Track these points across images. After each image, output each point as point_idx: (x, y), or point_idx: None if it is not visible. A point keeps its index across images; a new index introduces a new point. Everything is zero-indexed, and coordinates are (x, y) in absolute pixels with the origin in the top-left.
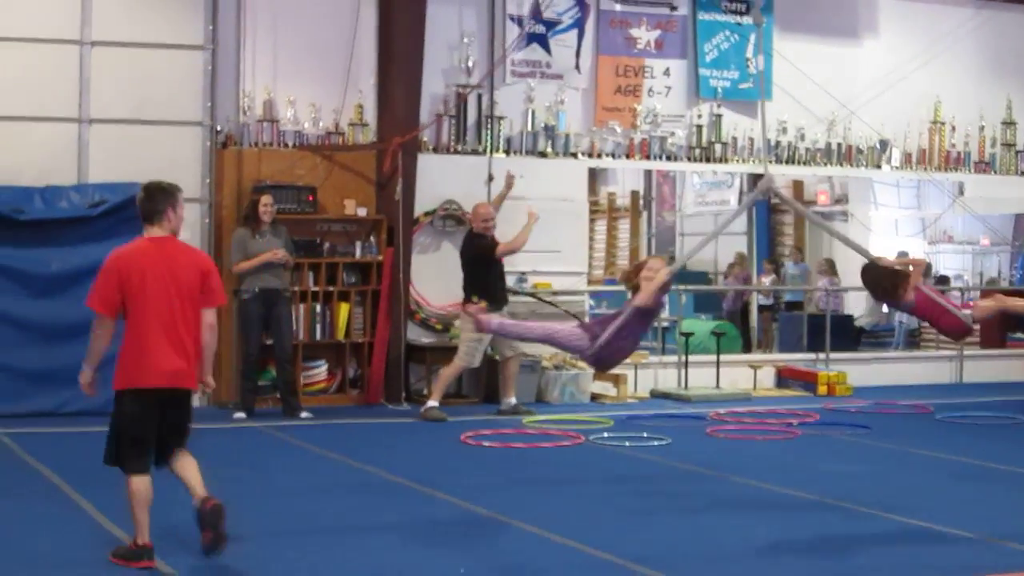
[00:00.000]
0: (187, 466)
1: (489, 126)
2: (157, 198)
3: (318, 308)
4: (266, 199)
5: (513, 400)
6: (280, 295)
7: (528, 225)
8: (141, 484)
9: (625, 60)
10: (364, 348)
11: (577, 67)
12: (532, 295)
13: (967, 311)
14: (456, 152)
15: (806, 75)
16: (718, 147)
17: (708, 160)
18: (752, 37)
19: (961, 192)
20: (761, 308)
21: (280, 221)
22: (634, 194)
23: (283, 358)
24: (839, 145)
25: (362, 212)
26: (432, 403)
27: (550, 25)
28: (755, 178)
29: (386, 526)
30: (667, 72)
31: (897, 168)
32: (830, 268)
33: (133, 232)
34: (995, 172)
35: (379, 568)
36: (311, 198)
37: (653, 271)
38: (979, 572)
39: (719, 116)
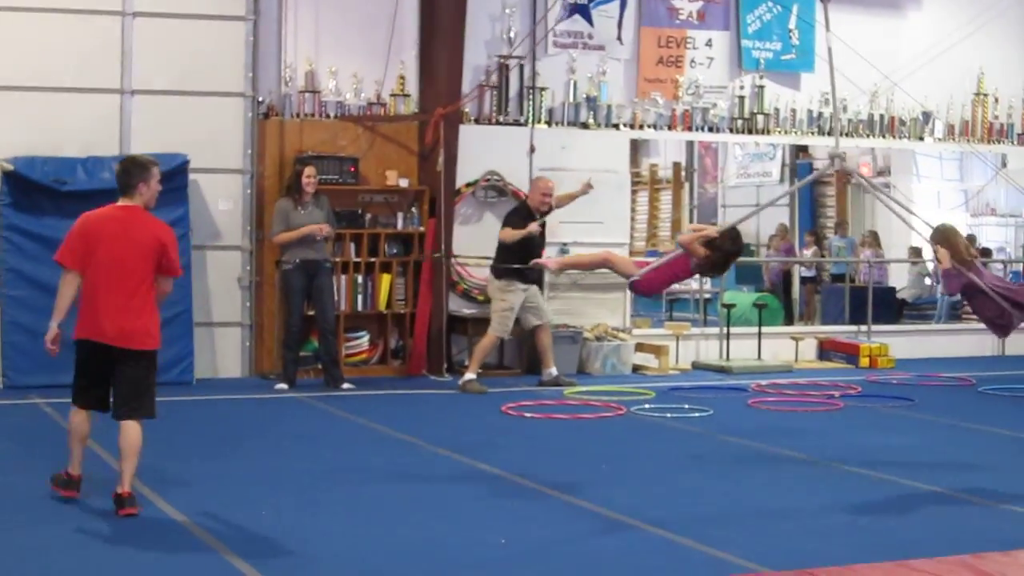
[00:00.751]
0: (124, 449)
1: (531, 97)
2: (132, 172)
3: (360, 279)
4: (309, 170)
5: (554, 371)
6: (321, 266)
7: (575, 194)
8: (77, 417)
9: (667, 31)
10: (406, 319)
11: (619, 38)
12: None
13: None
14: (498, 123)
15: (849, 46)
16: (760, 119)
17: (750, 132)
18: (795, 9)
19: (1004, 164)
20: (803, 280)
21: (322, 192)
22: (676, 166)
23: (326, 329)
24: (882, 117)
25: (404, 183)
26: (470, 376)
27: None
28: (798, 149)
29: (428, 497)
30: (709, 43)
31: (940, 140)
32: (874, 240)
33: (174, 203)
34: None
35: (421, 539)
36: (353, 169)
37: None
38: (1022, 544)
39: (761, 87)
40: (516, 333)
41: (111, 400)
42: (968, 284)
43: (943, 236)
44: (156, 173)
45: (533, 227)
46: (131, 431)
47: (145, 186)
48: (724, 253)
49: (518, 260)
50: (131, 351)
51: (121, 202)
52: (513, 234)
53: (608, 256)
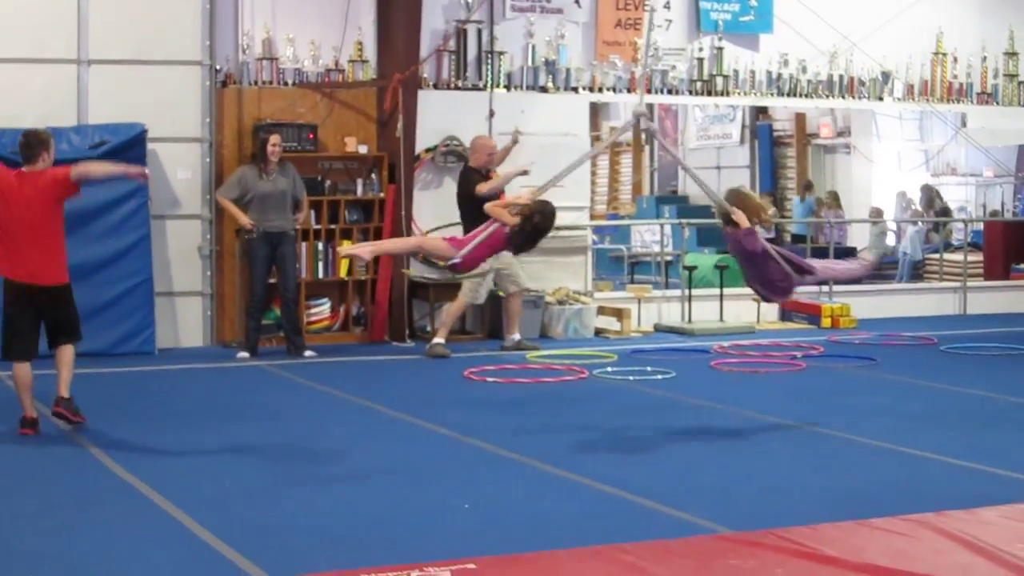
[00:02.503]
0: (61, 362)
1: (489, 61)
2: (33, 144)
3: (320, 246)
4: (275, 139)
5: (517, 336)
6: (285, 235)
7: (508, 147)
8: (20, 371)
9: None
10: (367, 286)
11: (577, 1)
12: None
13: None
14: (457, 88)
15: (807, 7)
16: (719, 80)
17: (709, 94)
18: None
19: (964, 124)
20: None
21: (285, 159)
22: (636, 128)
23: (288, 297)
24: (841, 77)
25: (363, 149)
26: (438, 340)
27: None
28: (758, 111)
29: (389, 462)
30: (667, 5)
31: (899, 100)
32: (834, 201)
33: None
34: (998, 103)
35: (383, 504)
36: (312, 136)
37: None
38: (984, 502)
39: (720, 49)
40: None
41: (47, 337)
42: (762, 246)
43: (737, 198)
44: (52, 143)
45: (515, 136)
46: (68, 350)
47: (47, 154)
48: (533, 226)
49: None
50: (53, 288)
51: (26, 168)
52: (491, 184)
53: (421, 242)
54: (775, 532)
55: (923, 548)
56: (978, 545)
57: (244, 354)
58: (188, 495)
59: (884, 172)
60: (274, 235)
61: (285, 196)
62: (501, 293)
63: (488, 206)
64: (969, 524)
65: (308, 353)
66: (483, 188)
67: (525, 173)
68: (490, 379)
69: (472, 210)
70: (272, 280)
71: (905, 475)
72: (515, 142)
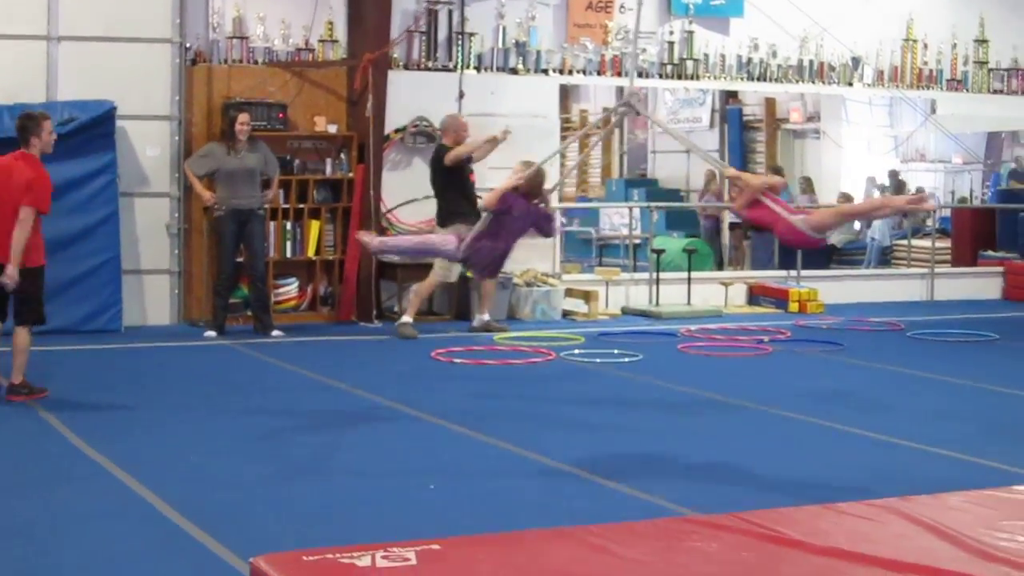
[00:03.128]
0: (15, 349)
1: (460, 42)
2: (26, 126)
3: (288, 225)
4: (243, 117)
5: (487, 316)
6: (254, 213)
7: (491, 143)
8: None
9: None
10: (335, 265)
11: None
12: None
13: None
14: (427, 69)
15: None
16: (689, 64)
17: (680, 77)
18: None
19: (933, 110)
20: (732, 226)
21: (256, 138)
22: (606, 111)
23: (256, 276)
24: (811, 62)
25: (333, 129)
26: (406, 319)
27: None
28: (728, 95)
29: (356, 443)
30: None
31: (869, 85)
32: (808, 186)
33: (101, 150)
34: (967, 90)
35: (348, 484)
36: (282, 115)
37: (515, 173)
38: (949, 487)
39: (691, 33)
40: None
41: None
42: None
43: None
44: (45, 124)
45: (505, 134)
46: (20, 334)
47: (37, 138)
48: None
49: (461, 204)
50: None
51: (24, 150)
52: (457, 151)
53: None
54: (740, 515)
55: (888, 532)
56: (943, 530)
57: (211, 333)
58: (154, 473)
59: (854, 157)
60: (242, 212)
61: (254, 173)
62: (469, 273)
63: (484, 203)
64: (934, 509)
65: (275, 332)
66: (450, 156)
67: (494, 141)
68: (457, 360)
69: (447, 186)
70: (240, 259)
71: (870, 460)
72: (502, 139)
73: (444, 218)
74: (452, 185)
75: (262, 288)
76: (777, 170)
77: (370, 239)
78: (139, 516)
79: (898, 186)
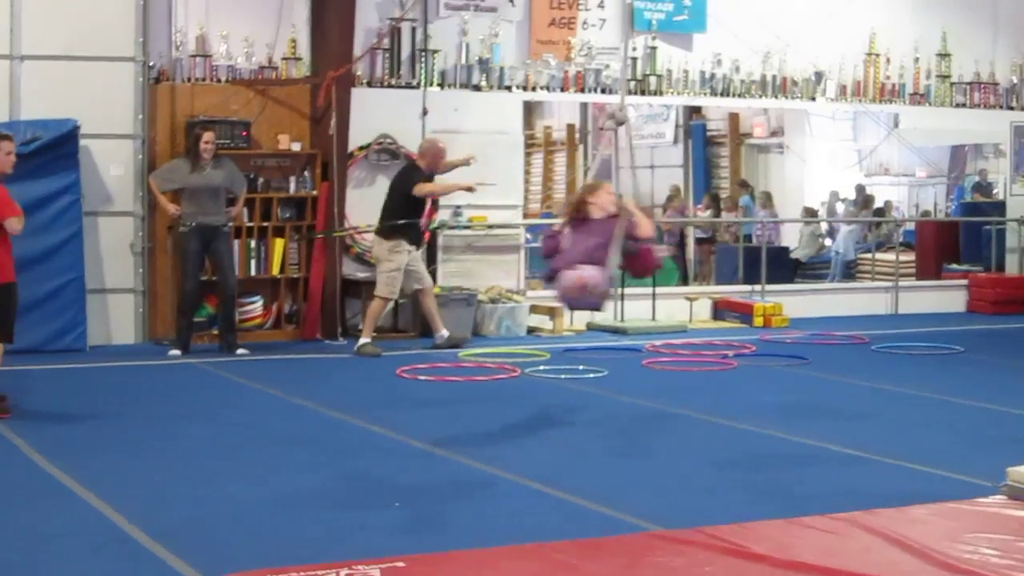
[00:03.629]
0: None
1: (423, 59)
2: None
3: (253, 243)
4: (208, 135)
5: (445, 332)
6: (219, 231)
7: (464, 189)
8: None
9: None
10: (300, 283)
11: (511, 0)
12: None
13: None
14: (390, 86)
15: (741, 7)
16: (653, 80)
17: (643, 93)
18: None
19: (896, 124)
20: (699, 240)
21: (221, 155)
22: (570, 127)
23: (226, 294)
24: (774, 77)
25: (297, 147)
26: (364, 340)
27: None
28: (692, 110)
29: (321, 460)
30: (602, 4)
31: (832, 100)
32: (768, 200)
33: (64, 169)
34: (930, 104)
35: (314, 501)
36: (245, 133)
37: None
38: (913, 500)
39: (654, 48)
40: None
41: None
42: None
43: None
44: (5, 145)
45: (469, 159)
46: None
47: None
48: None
49: (409, 218)
50: None
51: None
52: (429, 188)
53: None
54: (705, 530)
55: (852, 546)
56: (906, 543)
57: (176, 351)
58: (119, 492)
59: (817, 171)
60: (207, 230)
61: (219, 191)
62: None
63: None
64: (898, 522)
65: (240, 351)
66: (422, 189)
67: (469, 189)
68: (422, 377)
69: (403, 205)
70: (204, 277)
71: (835, 473)
72: (466, 163)
73: (388, 233)
74: (408, 206)
75: (231, 306)
76: (743, 184)
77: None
78: (104, 536)
79: (865, 201)
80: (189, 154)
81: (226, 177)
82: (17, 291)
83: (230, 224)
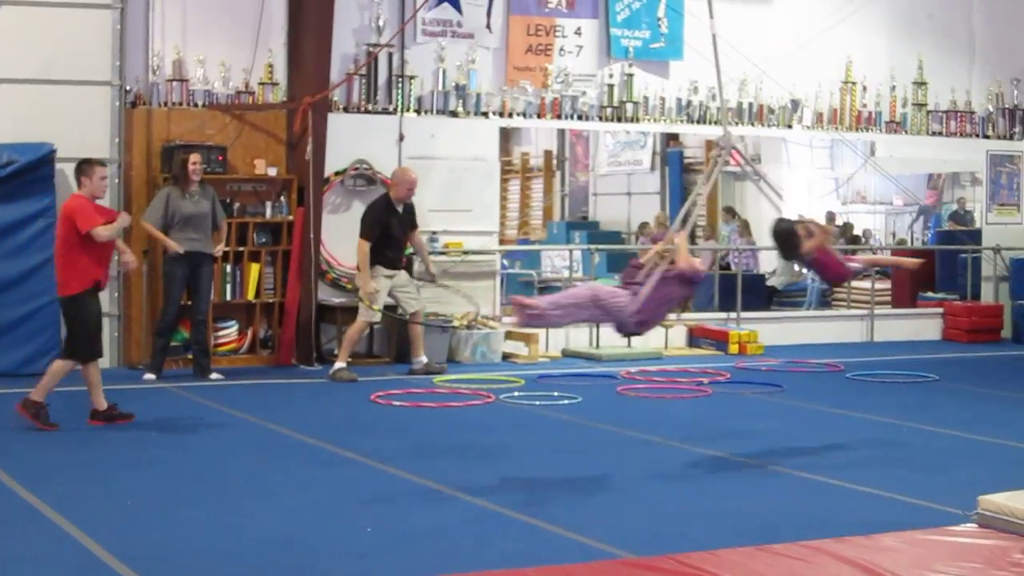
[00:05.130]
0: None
1: (400, 85)
2: (77, 170)
3: (228, 268)
4: (195, 158)
5: (424, 359)
6: (206, 257)
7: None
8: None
9: (536, 19)
10: (275, 308)
11: (488, 26)
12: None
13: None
14: (367, 112)
15: (718, 35)
16: (629, 107)
17: (619, 120)
18: None
19: (873, 152)
20: None
21: (205, 181)
22: (547, 154)
23: (199, 319)
24: (750, 105)
25: (272, 172)
26: (340, 364)
27: None
28: (668, 138)
29: (293, 486)
30: (578, 31)
31: (808, 128)
32: (744, 229)
33: (43, 192)
34: (906, 132)
35: (286, 527)
36: (221, 158)
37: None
38: (883, 528)
39: (630, 76)
40: (386, 322)
41: None
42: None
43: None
44: (89, 170)
45: (366, 290)
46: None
47: (87, 179)
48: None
49: (382, 249)
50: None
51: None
52: (364, 250)
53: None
54: (675, 557)
55: (822, 573)
56: (877, 571)
57: (150, 376)
58: (90, 516)
59: (794, 199)
60: (195, 256)
61: (207, 218)
62: (406, 315)
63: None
64: (868, 550)
65: (214, 375)
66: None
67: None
68: (396, 403)
69: (381, 242)
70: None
71: (806, 500)
72: (431, 279)
73: (366, 241)
74: (385, 235)
75: (203, 331)
76: (729, 210)
77: (534, 302)
78: (75, 560)
79: (844, 229)
80: (176, 180)
81: (213, 206)
82: (87, 303)
83: (216, 253)
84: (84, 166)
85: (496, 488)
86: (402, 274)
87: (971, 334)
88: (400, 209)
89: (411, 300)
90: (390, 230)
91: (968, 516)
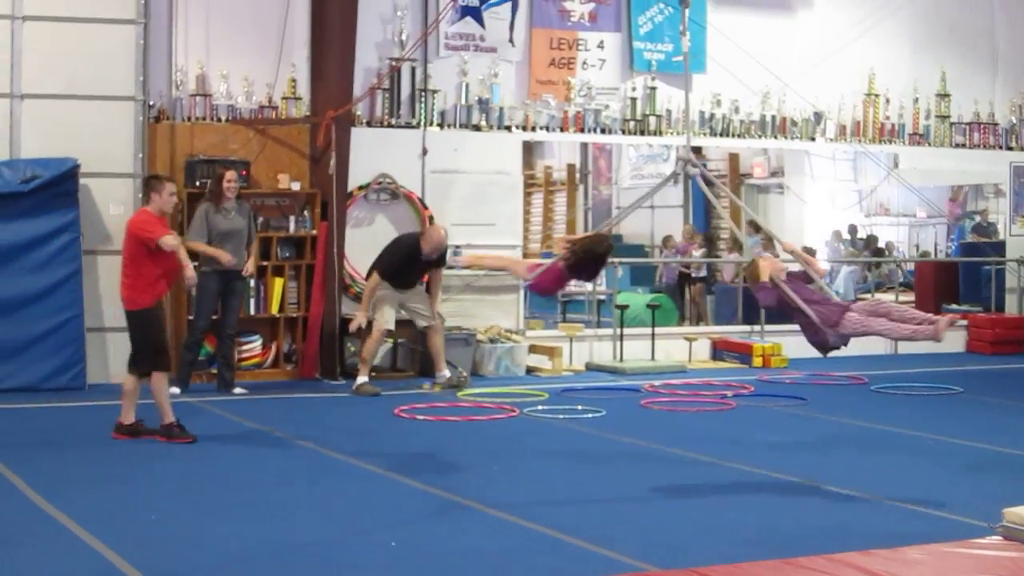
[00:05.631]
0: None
1: (423, 99)
2: (145, 185)
3: (252, 283)
4: (230, 175)
5: (447, 373)
6: (238, 274)
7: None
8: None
9: (559, 33)
10: (298, 322)
11: (511, 40)
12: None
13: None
14: (390, 126)
15: (740, 47)
16: (652, 120)
17: (642, 133)
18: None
19: (896, 164)
20: (693, 280)
21: (242, 197)
22: (570, 167)
23: (228, 333)
24: (773, 117)
25: (296, 186)
26: (362, 379)
27: None
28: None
29: (317, 499)
30: (601, 45)
31: (831, 140)
32: (768, 243)
33: (64, 207)
34: (929, 144)
35: (310, 540)
36: (244, 172)
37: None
38: (909, 541)
39: (653, 89)
40: (409, 335)
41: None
42: (782, 299)
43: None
44: (158, 186)
45: (356, 322)
46: (127, 379)
47: (157, 195)
48: (578, 258)
49: (395, 275)
50: (126, 312)
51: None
52: (372, 284)
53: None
54: (700, 570)
55: None
56: None
57: (175, 390)
58: (115, 532)
59: (817, 212)
60: (230, 271)
61: (242, 234)
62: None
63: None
64: (893, 563)
65: (238, 390)
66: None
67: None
68: (420, 417)
69: (391, 267)
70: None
71: (831, 513)
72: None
73: (370, 271)
74: (397, 271)
75: (230, 345)
76: (754, 223)
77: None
78: (98, 574)
79: (867, 241)
80: (211, 196)
81: (248, 222)
82: (155, 316)
83: (245, 271)
84: (153, 181)
85: (520, 501)
86: (411, 291)
87: (995, 346)
88: (422, 261)
89: (422, 316)
90: (410, 268)
91: (993, 529)
